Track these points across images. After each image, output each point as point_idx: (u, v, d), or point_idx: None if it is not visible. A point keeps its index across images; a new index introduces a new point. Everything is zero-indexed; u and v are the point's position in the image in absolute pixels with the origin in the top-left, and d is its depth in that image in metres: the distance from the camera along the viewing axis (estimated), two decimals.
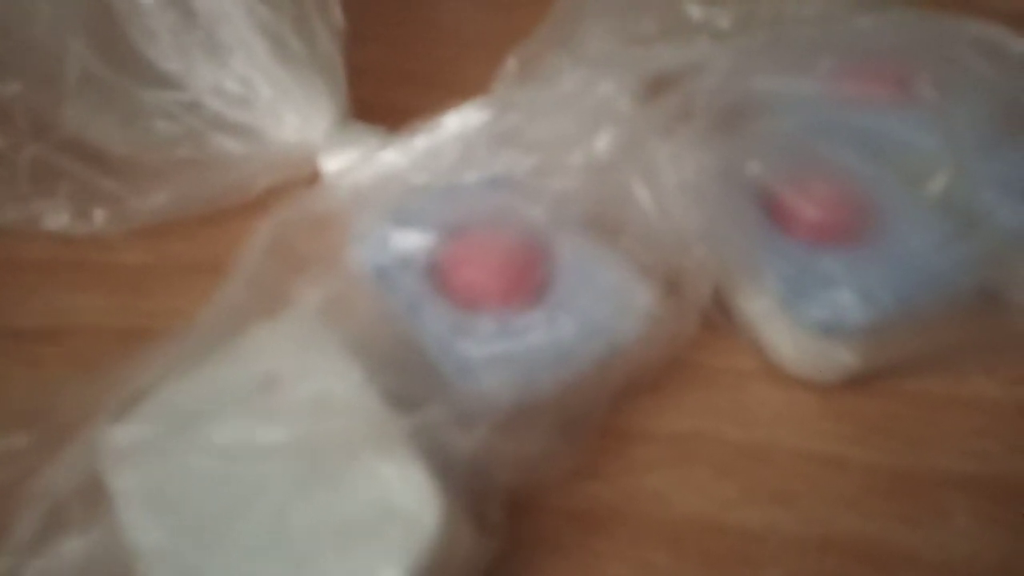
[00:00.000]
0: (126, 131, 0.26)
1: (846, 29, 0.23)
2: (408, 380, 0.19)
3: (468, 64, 0.28)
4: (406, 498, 0.17)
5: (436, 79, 0.31)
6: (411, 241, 0.21)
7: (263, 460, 0.17)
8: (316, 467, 0.17)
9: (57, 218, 0.24)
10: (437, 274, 0.21)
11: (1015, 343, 0.22)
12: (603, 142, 0.21)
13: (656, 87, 0.22)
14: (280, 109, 0.26)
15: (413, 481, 0.17)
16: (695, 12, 0.24)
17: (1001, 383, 0.22)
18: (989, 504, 0.20)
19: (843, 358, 0.21)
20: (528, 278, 0.21)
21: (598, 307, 0.21)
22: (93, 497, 0.18)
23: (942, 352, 0.21)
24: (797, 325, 0.21)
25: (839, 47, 0.23)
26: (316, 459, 0.17)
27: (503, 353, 0.20)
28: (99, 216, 0.25)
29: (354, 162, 0.24)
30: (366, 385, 0.18)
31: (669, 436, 0.21)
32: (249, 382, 0.18)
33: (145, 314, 0.24)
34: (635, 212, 0.21)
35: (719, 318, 0.22)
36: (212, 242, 0.25)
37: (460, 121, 0.22)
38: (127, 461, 0.17)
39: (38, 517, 0.17)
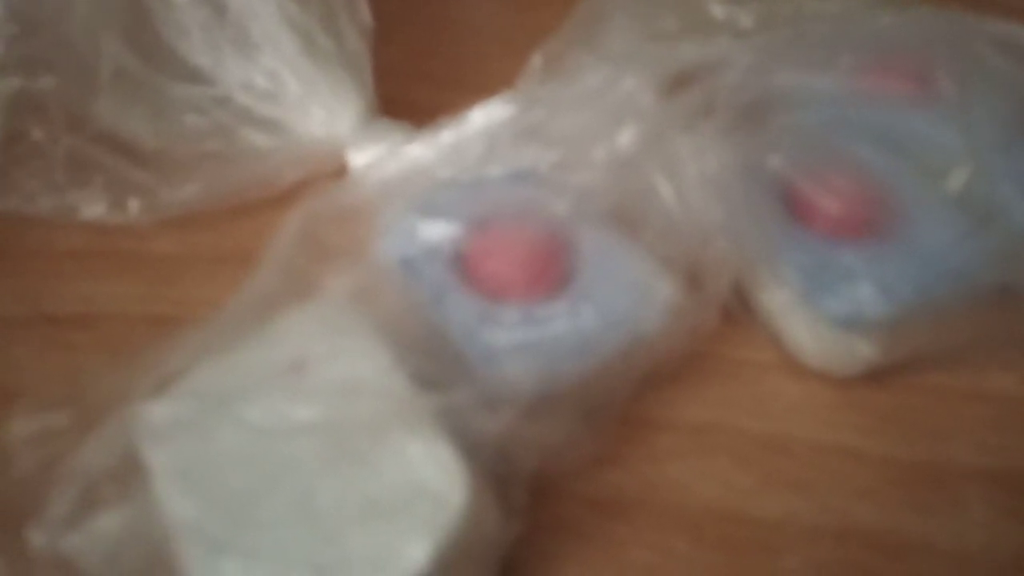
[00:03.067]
0: (157, 124, 0.26)
1: (866, 26, 0.24)
2: (434, 366, 0.19)
3: (492, 62, 0.29)
4: (433, 476, 0.17)
5: (460, 77, 0.31)
6: (437, 233, 0.22)
7: (293, 439, 0.18)
8: (344, 446, 0.17)
9: (93, 208, 0.25)
10: (462, 265, 0.22)
11: None
12: (626, 137, 0.21)
13: (678, 83, 0.22)
14: (308, 104, 0.26)
15: (440, 460, 0.17)
16: (717, 10, 0.24)
17: (1019, 377, 0.22)
18: (1006, 496, 0.20)
19: (862, 351, 0.21)
20: (551, 270, 0.21)
21: (620, 298, 0.21)
22: (127, 474, 0.18)
23: (960, 346, 0.22)
24: (816, 318, 0.21)
25: (859, 44, 0.24)
26: (345, 438, 0.18)
27: (527, 342, 0.20)
28: (133, 206, 0.25)
29: (381, 156, 0.25)
30: (394, 368, 0.19)
31: (689, 426, 0.21)
32: (280, 364, 0.19)
33: (174, 302, 0.24)
34: (657, 206, 0.21)
35: (739, 311, 0.22)
36: (240, 234, 0.26)
37: (485, 116, 0.22)
38: (162, 438, 0.18)
39: (74, 493, 0.18)
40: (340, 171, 0.27)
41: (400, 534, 0.16)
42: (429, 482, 0.17)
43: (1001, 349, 0.22)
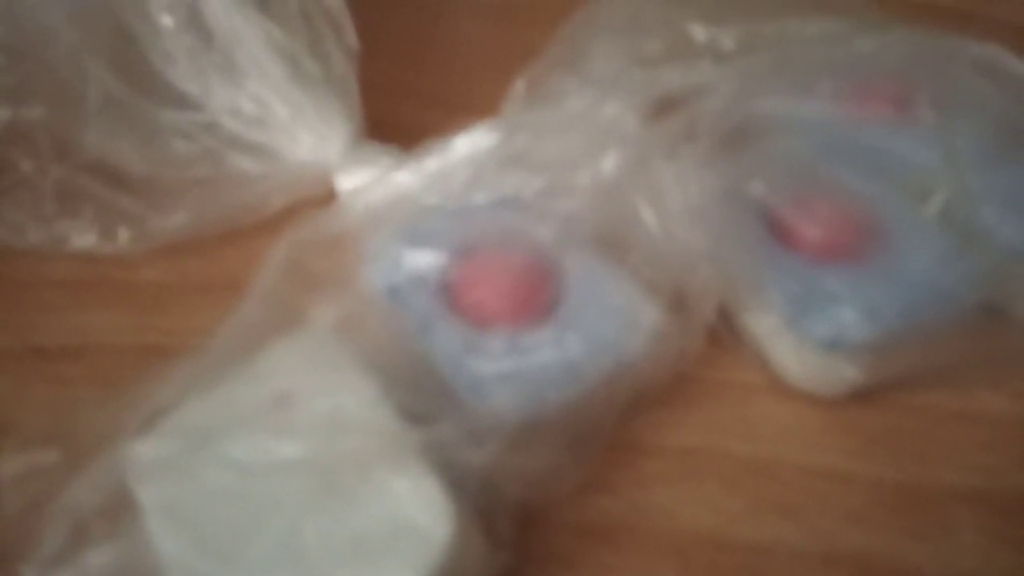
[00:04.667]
0: (145, 151, 0.26)
1: (848, 50, 0.24)
2: (420, 397, 0.19)
3: (477, 82, 0.29)
4: (419, 512, 0.17)
5: (446, 97, 0.31)
6: (423, 261, 0.22)
7: (280, 475, 0.18)
8: (331, 482, 0.18)
9: (82, 238, 0.25)
10: (448, 293, 0.22)
11: (1019, 358, 0.22)
12: (610, 163, 0.22)
13: (661, 108, 0.22)
14: (295, 129, 0.26)
15: (426, 495, 0.17)
16: (699, 34, 0.24)
17: (1006, 397, 0.22)
18: (995, 519, 0.20)
19: (848, 373, 0.21)
20: (537, 297, 0.21)
21: (606, 324, 0.21)
22: (117, 511, 0.18)
23: (946, 367, 0.22)
24: (802, 341, 0.21)
25: (841, 68, 0.24)
26: (331, 474, 0.18)
27: (513, 370, 0.20)
28: (122, 235, 0.25)
29: (368, 182, 0.25)
30: (380, 401, 0.19)
31: (676, 451, 0.22)
32: (266, 398, 0.19)
33: (164, 332, 0.24)
34: (641, 231, 0.22)
35: (725, 334, 0.23)
36: (229, 261, 0.26)
37: (470, 143, 0.22)
38: (150, 476, 0.18)
39: (64, 530, 0.18)
40: (328, 196, 0.27)
41: (386, 571, 0.16)
42: (415, 518, 0.17)
43: (988, 369, 0.22)
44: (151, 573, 0.17)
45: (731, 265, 0.21)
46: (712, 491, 0.21)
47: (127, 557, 0.18)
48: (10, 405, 0.22)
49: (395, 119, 0.27)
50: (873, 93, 0.24)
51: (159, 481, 0.18)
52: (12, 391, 0.23)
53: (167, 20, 0.26)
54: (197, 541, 0.17)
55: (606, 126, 0.22)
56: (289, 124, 0.26)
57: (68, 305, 0.25)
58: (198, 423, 0.19)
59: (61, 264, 0.25)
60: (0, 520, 0.18)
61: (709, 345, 0.22)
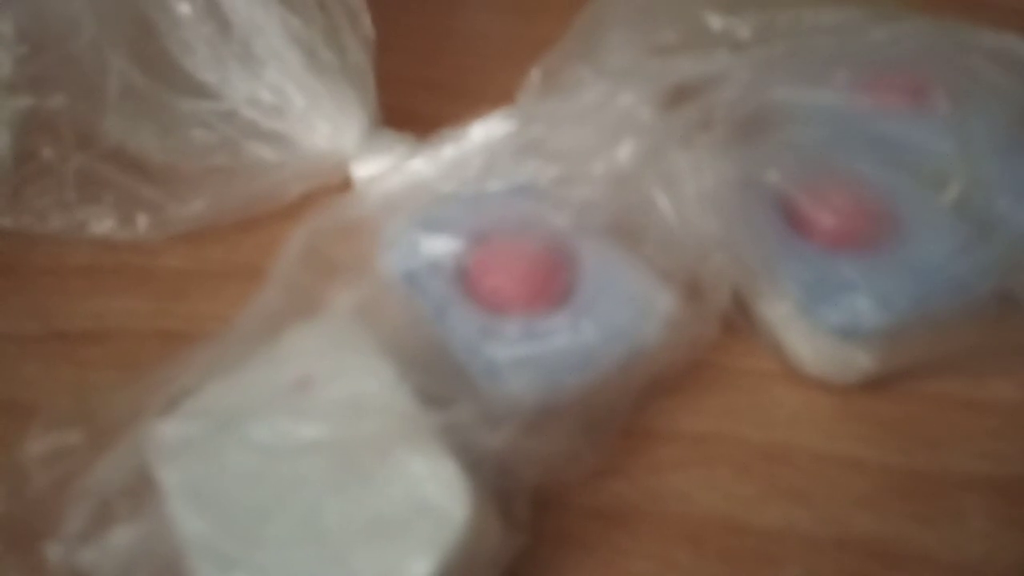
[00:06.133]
0: (165, 140, 0.26)
1: (863, 40, 0.24)
2: (437, 380, 0.20)
3: (492, 73, 0.29)
4: (437, 493, 0.17)
5: (461, 87, 0.31)
6: (439, 247, 0.22)
7: (300, 456, 0.18)
8: (350, 463, 0.18)
9: (102, 224, 0.25)
10: (464, 279, 0.22)
11: None
12: (625, 151, 0.22)
13: (676, 97, 0.23)
14: (312, 118, 0.26)
15: (443, 477, 0.17)
16: (715, 23, 0.24)
17: (1017, 386, 0.22)
18: (1005, 505, 0.20)
19: (861, 361, 0.21)
20: (553, 283, 0.22)
21: (621, 311, 0.21)
22: (140, 491, 0.18)
23: (959, 355, 0.22)
24: (815, 329, 0.21)
25: (856, 57, 0.24)
26: (350, 455, 0.18)
27: (529, 355, 0.20)
28: (141, 222, 0.26)
29: (384, 169, 0.25)
30: (398, 385, 0.19)
31: (690, 436, 0.22)
32: (286, 382, 0.19)
33: (183, 317, 0.25)
34: (656, 219, 0.22)
35: (739, 322, 0.23)
36: (247, 248, 0.26)
37: (486, 131, 0.23)
38: (172, 456, 0.18)
39: (89, 509, 0.18)
40: (345, 183, 0.27)
41: (404, 551, 0.17)
42: (432, 498, 0.17)
43: (1000, 357, 0.22)
44: (173, 551, 0.18)
45: (745, 253, 0.22)
46: (725, 476, 0.21)
47: (150, 535, 0.18)
48: (35, 387, 0.23)
49: (411, 111, 0.27)
50: (888, 83, 0.24)
51: (182, 461, 0.18)
52: (37, 374, 0.23)
53: (186, 10, 0.26)
54: (218, 520, 0.18)
55: (621, 115, 0.22)
56: (306, 113, 0.26)
57: (89, 290, 0.25)
58: (220, 405, 0.19)
59: (82, 251, 0.26)
60: (26, 499, 0.19)
61: (723, 332, 0.22)
